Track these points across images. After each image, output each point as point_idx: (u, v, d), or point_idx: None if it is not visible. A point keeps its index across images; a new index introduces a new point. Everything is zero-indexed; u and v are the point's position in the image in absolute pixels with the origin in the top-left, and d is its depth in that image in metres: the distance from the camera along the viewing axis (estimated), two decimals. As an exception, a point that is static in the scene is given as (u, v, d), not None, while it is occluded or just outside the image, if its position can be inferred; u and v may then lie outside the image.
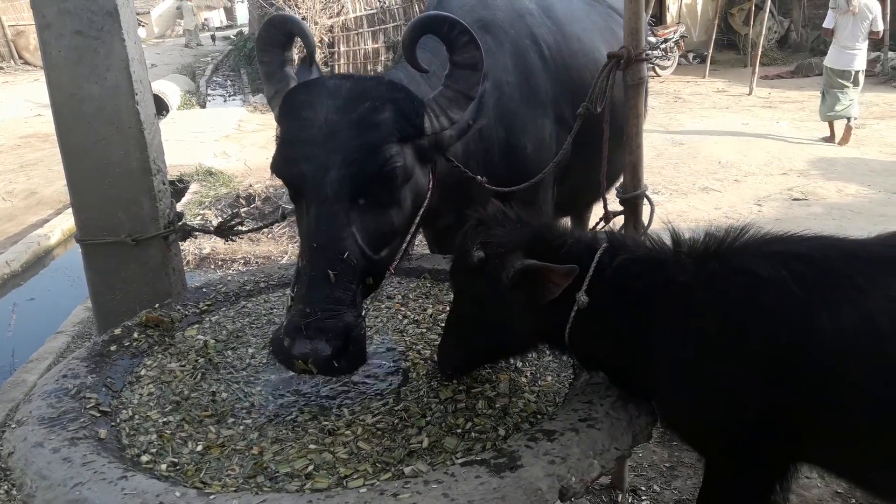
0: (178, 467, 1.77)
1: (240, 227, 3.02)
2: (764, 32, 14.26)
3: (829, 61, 9.41)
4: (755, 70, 13.42)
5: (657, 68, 15.76)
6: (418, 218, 2.23)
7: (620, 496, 2.88)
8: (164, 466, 1.76)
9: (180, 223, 3.00)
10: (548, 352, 2.19)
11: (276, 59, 2.19)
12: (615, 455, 1.71)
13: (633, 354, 1.82)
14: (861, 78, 9.29)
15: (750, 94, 13.25)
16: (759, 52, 13.55)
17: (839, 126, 9.38)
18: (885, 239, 1.75)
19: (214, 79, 18.75)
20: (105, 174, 2.81)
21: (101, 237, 2.87)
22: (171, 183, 8.76)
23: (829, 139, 9.44)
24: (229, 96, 17.13)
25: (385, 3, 14.62)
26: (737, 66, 16.93)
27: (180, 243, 3.12)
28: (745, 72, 14.78)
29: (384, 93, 2.02)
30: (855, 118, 9.32)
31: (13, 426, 1.89)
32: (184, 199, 7.67)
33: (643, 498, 2.87)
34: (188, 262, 5.96)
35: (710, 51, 15.57)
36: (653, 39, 15.31)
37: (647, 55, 2.26)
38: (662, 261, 1.80)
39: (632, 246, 1.86)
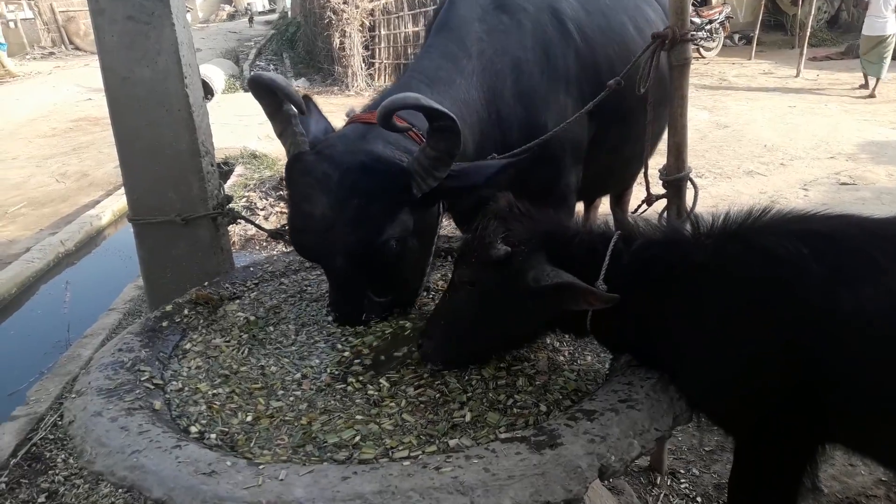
0: (228, 437, 1.83)
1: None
2: (813, 13, 13.89)
3: (865, 30, 11.36)
4: (803, 51, 13.09)
5: (702, 49, 15.48)
6: (434, 245, 2.47)
7: (659, 478, 2.89)
8: (213, 436, 1.82)
9: (229, 207, 3.08)
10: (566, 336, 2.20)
11: (273, 103, 2.28)
12: (655, 436, 1.72)
13: (655, 337, 1.84)
14: (892, 41, 11.11)
15: (797, 76, 12.95)
16: (808, 33, 13.19)
17: (872, 82, 11.37)
18: None
19: (258, 63, 18.89)
20: (156, 155, 2.90)
21: (151, 216, 2.97)
22: (218, 165, 8.93)
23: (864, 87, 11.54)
24: (272, 79, 17.28)
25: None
26: (784, 47, 16.52)
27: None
28: (793, 53, 14.43)
29: (371, 184, 2.13)
30: (881, 78, 11.27)
31: (73, 396, 1.97)
32: (229, 182, 7.80)
33: (682, 481, 2.88)
34: (234, 242, 6.08)
35: (757, 31, 15.17)
36: (697, 20, 15.04)
37: (691, 36, 2.23)
38: (680, 243, 1.82)
39: (647, 231, 1.88)
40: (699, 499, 2.77)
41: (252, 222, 3.20)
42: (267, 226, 5.82)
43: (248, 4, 40.33)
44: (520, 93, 2.78)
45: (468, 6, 2.84)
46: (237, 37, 23.98)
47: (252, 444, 1.80)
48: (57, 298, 5.79)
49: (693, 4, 14.66)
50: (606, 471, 1.60)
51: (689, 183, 2.41)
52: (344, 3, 13.24)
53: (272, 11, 36.23)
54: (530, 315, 1.93)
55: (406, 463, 1.61)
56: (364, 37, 13.98)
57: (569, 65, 2.89)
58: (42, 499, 2.98)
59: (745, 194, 6.94)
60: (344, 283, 2.28)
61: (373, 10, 14.03)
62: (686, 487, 2.84)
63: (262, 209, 6.86)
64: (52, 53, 24.71)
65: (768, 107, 10.53)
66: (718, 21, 15.28)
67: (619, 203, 4.70)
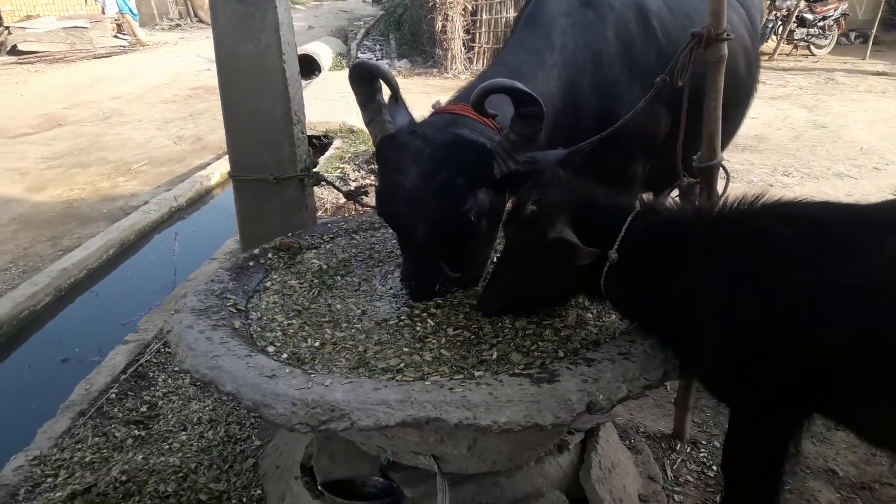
0: (297, 356, 2.18)
1: (363, 197, 3.47)
2: (941, 11, 13.17)
3: None
4: (925, 53, 12.43)
5: (812, 47, 14.87)
6: (498, 231, 2.59)
7: (679, 445, 3.10)
8: (285, 356, 2.19)
9: (315, 169, 3.49)
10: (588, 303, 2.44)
11: (367, 92, 2.50)
12: (644, 384, 1.97)
13: (657, 307, 2.04)
14: None
15: (914, 78, 12.32)
16: (933, 33, 12.53)
17: None
18: (892, 203, 1.89)
19: (365, 42, 19.48)
20: (254, 121, 3.33)
21: (248, 174, 3.41)
22: (318, 138, 9.50)
23: None
24: (377, 60, 17.81)
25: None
26: (904, 48, 15.69)
27: (315, 189, 3.62)
28: (914, 55, 13.74)
29: (457, 158, 2.33)
30: None
31: (173, 313, 2.42)
32: (327, 154, 8.31)
33: (702, 450, 3.07)
34: (326, 209, 6.57)
35: (874, 30, 14.42)
36: (810, 16, 14.49)
37: (727, 35, 2.43)
38: (685, 223, 2.02)
39: (660, 210, 2.08)
40: (715, 467, 2.97)
41: (332, 184, 3.59)
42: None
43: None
44: (597, 83, 2.92)
45: (556, 1, 3.01)
46: (348, 16, 24.74)
47: (316, 363, 2.15)
48: (167, 246, 6.45)
49: (806, 0, 14.11)
50: (594, 406, 1.86)
51: (721, 170, 2.60)
52: (448, -14, 13.58)
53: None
54: (553, 269, 2.15)
55: (427, 383, 1.95)
56: (466, 21, 14.26)
57: (649, 61, 3.00)
58: (144, 409, 3.50)
59: (829, 196, 6.81)
60: (422, 252, 2.43)
61: (476, -6, 14.27)
62: (704, 456, 3.04)
63: (353, 180, 7.34)
64: (178, 25, 26.20)
65: (874, 109, 10.13)
66: (833, 18, 14.61)
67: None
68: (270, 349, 2.24)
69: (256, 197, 3.46)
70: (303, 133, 3.45)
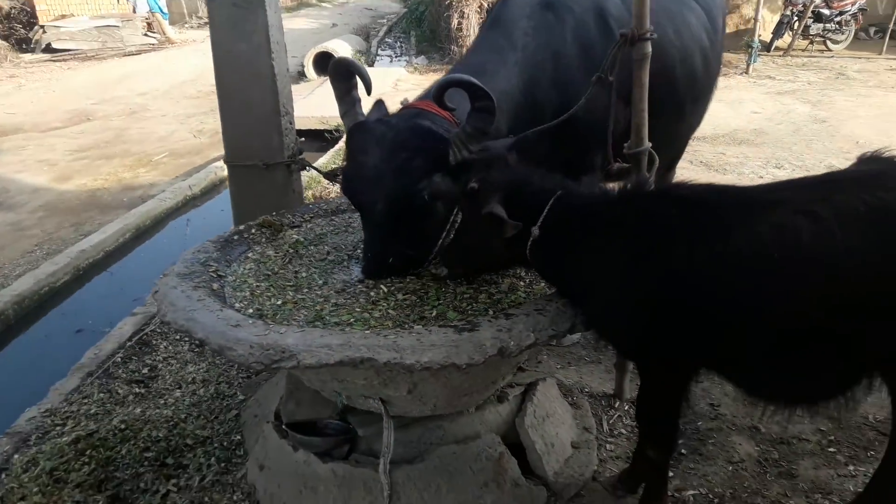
0: (260, 312, 2.53)
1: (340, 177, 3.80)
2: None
3: None
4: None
5: (829, 42, 14.89)
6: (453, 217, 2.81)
7: (618, 403, 3.40)
8: (250, 311, 2.54)
9: (300, 156, 3.85)
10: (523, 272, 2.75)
11: (344, 87, 2.79)
12: (550, 333, 2.27)
13: (570, 274, 2.34)
14: None
15: (928, 73, 12.33)
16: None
17: None
18: (773, 185, 2.15)
19: (386, 40, 19.87)
20: (247, 113, 3.69)
21: (241, 161, 3.78)
22: (329, 132, 9.74)
23: None
24: (396, 57, 18.12)
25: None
26: (925, 43, 15.61)
27: (303, 174, 3.98)
28: (933, 49, 13.71)
29: (418, 143, 2.61)
30: None
31: (161, 277, 2.79)
32: (335, 147, 8.67)
33: (639, 409, 3.38)
34: (315, 196, 6.91)
35: (892, 24, 14.34)
36: (826, 11, 14.51)
37: (651, 34, 2.71)
38: (593, 204, 2.30)
39: (576, 192, 2.35)
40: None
41: (314, 167, 3.94)
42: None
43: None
44: (556, 81, 3.16)
45: (518, 4, 3.25)
46: (372, 13, 25.11)
47: (276, 317, 2.50)
48: (179, 230, 6.89)
49: (822, -4, 14.08)
50: (505, 350, 2.15)
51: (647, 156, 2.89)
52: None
53: (411, -11, 37.16)
54: (489, 239, 2.43)
55: (368, 331, 2.29)
56: (482, 18, 14.54)
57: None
58: (145, 370, 3.88)
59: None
60: (379, 228, 2.66)
61: (494, -12, 14.53)
62: (641, 414, 3.34)
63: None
64: (206, 23, 26.72)
65: (878, 104, 10.20)
66: (850, 13, 14.60)
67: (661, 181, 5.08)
68: (237, 305, 2.58)
69: (248, 181, 3.82)
70: (291, 124, 3.81)
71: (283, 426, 2.83)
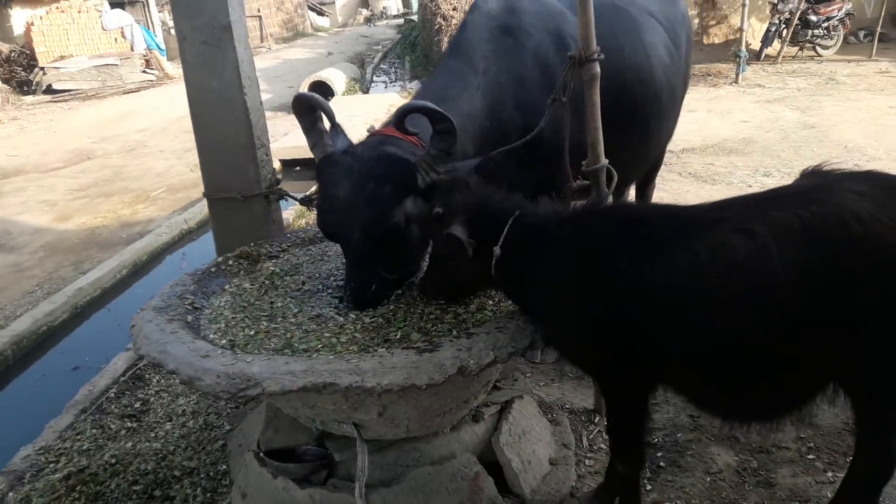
0: (233, 342, 2.60)
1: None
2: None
3: None
4: (929, 49, 12.45)
5: (818, 48, 14.96)
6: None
7: (598, 418, 3.42)
8: (223, 342, 2.61)
9: (278, 186, 3.93)
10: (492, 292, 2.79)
11: (309, 120, 2.85)
12: (510, 350, 2.32)
13: (528, 291, 2.39)
14: None
15: (917, 75, 12.37)
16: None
17: None
18: (716, 203, 2.17)
19: (381, 66, 20.10)
20: (222, 146, 3.78)
21: (219, 193, 3.86)
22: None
23: None
24: (391, 82, 18.29)
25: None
26: (915, 45, 15.67)
27: (281, 204, 4.06)
28: (922, 52, 13.76)
29: (384, 171, 2.67)
30: None
31: (139, 311, 2.86)
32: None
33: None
34: (308, 224, 7.01)
35: (879, 27, 14.39)
36: (814, 18, 14.62)
37: (598, 55, 2.78)
38: (545, 224, 2.34)
39: (533, 212, 2.40)
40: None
41: (291, 196, 4.01)
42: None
43: (384, 8, 42.24)
44: (519, 103, 3.24)
45: (478, 30, 3.33)
46: (367, 41, 25.46)
47: (247, 347, 2.57)
48: (176, 263, 6.99)
49: (807, 1, 14.20)
50: (465, 370, 2.21)
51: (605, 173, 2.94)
52: (454, 9, 14.06)
53: (406, 14, 37.73)
54: (456, 261, 2.48)
55: (331, 356, 2.35)
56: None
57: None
58: (137, 404, 3.96)
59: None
60: (359, 258, 2.71)
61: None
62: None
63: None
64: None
65: (866, 108, 10.23)
66: (837, 18, 14.69)
67: (642, 197, 5.14)
68: (212, 336, 2.64)
69: (228, 213, 3.91)
70: (267, 155, 3.90)
71: (262, 454, 2.88)
